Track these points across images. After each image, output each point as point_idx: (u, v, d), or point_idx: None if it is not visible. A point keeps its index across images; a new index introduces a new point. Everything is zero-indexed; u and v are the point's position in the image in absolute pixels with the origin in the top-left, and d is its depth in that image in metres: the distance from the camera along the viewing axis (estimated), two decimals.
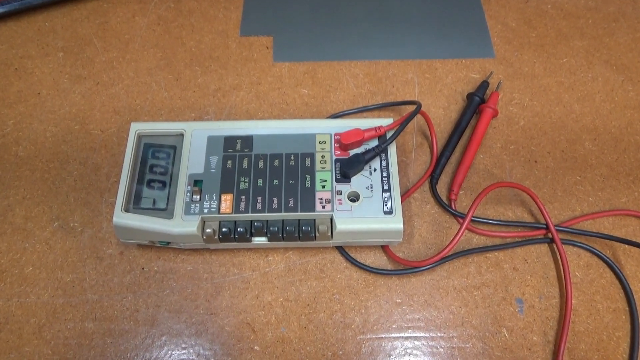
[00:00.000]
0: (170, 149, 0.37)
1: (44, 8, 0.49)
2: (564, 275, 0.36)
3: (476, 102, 0.43)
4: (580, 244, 0.38)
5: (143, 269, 0.37)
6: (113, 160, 0.41)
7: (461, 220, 0.38)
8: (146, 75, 0.46)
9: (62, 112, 0.44)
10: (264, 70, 0.46)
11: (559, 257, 0.37)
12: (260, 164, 0.36)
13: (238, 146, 0.37)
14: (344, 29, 0.49)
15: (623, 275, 0.36)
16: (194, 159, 0.36)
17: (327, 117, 0.43)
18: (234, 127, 0.38)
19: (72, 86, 0.45)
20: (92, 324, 0.35)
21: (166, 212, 0.35)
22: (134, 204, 0.35)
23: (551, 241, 0.38)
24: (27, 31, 0.48)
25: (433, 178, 0.40)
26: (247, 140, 0.37)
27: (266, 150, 0.37)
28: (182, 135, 0.37)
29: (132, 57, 0.47)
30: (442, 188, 0.40)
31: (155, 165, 0.37)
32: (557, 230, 0.37)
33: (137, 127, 0.37)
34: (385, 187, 0.35)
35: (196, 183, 0.35)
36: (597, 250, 0.37)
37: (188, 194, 0.35)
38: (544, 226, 0.38)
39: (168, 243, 0.36)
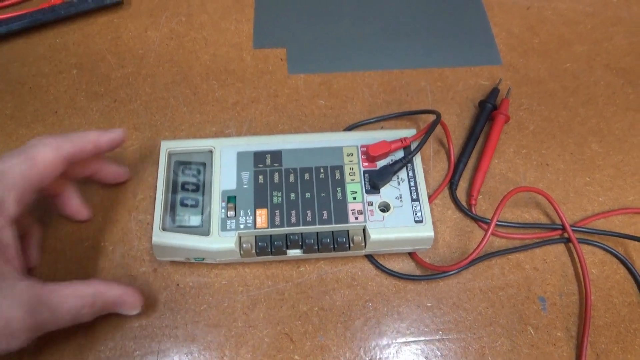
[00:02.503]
0: (200, 165, 0.38)
1: (55, 24, 0.49)
2: (582, 273, 0.38)
3: (488, 109, 0.45)
4: (594, 243, 0.40)
5: (178, 285, 0.38)
6: (137, 178, 0.42)
7: (482, 225, 0.40)
8: (163, 90, 0.46)
9: (81, 130, 0.44)
10: (280, 82, 0.47)
11: (575, 256, 0.39)
12: (291, 177, 0.37)
13: (268, 161, 0.38)
14: (356, 39, 0.50)
15: (635, 271, 0.39)
16: (225, 175, 0.37)
17: (345, 128, 0.44)
18: (261, 142, 0.38)
19: (90, 104, 0.45)
20: (133, 343, 0.36)
21: (202, 229, 0.36)
22: (171, 222, 0.36)
23: (568, 241, 0.40)
24: (38, 48, 0.48)
25: (452, 184, 0.42)
26: (276, 155, 0.38)
27: (295, 164, 0.37)
28: (211, 152, 0.38)
29: (148, 72, 0.47)
30: (461, 193, 0.42)
31: (187, 183, 0.37)
32: (573, 230, 0.39)
33: (167, 146, 0.38)
34: (414, 197, 0.37)
35: (230, 199, 0.36)
36: (611, 248, 0.40)
37: (223, 211, 0.36)
38: (561, 227, 0.40)
39: (203, 259, 0.36)
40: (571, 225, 0.40)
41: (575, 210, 0.42)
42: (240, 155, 0.38)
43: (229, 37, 0.49)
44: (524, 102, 0.47)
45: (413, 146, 0.38)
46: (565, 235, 0.40)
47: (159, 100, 0.45)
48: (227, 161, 0.38)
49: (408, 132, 0.39)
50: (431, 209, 0.41)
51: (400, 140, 0.38)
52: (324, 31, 0.50)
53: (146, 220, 0.40)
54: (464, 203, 0.41)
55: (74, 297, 0.30)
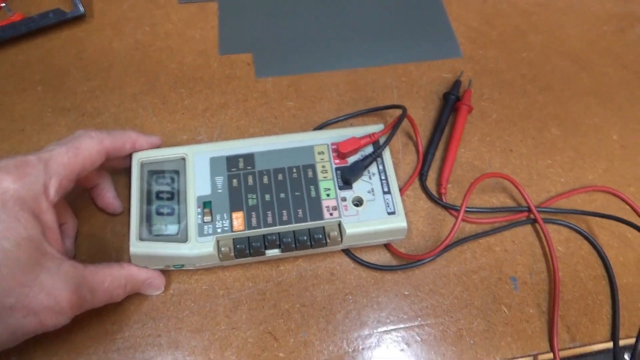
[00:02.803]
0: (173, 173, 0.38)
1: (16, 41, 0.48)
2: (549, 251, 0.40)
3: (452, 101, 0.46)
4: (559, 222, 0.42)
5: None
6: None
7: (453, 212, 0.42)
8: (132, 101, 0.46)
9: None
10: (249, 86, 0.48)
11: (542, 236, 0.41)
12: (265, 179, 0.38)
13: (241, 164, 0.38)
14: (321, 40, 0.51)
15: (598, 245, 0.41)
16: (199, 182, 0.37)
17: (315, 127, 0.45)
18: (233, 146, 0.39)
19: (57, 119, 0.45)
20: (117, 355, 0.36)
21: (180, 236, 0.36)
22: (148, 231, 0.36)
23: (534, 222, 0.42)
24: (0, 67, 0.47)
25: (422, 175, 0.43)
26: (249, 158, 0.38)
27: (268, 165, 0.38)
28: (183, 159, 0.39)
29: (115, 84, 0.47)
30: (431, 183, 0.43)
31: (161, 192, 0.38)
32: (538, 211, 0.41)
33: (139, 156, 0.38)
34: (386, 189, 0.38)
35: (205, 204, 0.37)
36: (574, 225, 0.41)
37: (199, 216, 0.36)
38: (527, 209, 0.42)
39: (182, 265, 0.37)
40: (536, 207, 0.41)
41: (539, 192, 0.43)
42: (213, 161, 0.38)
43: (195, 45, 0.50)
44: (485, 92, 0.49)
45: (382, 141, 0.40)
46: (532, 216, 0.41)
47: (127, 111, 0.46)
48: (200, 167, 0.38)
49: (376, 128, 0.40)
50: (403, 200, 0.42)
51: (369, 135, 0.39)
52: (289, 34, 0.51)
53: (122, 231, 0.40)
54: (434, 192, 0.43)
55: (111, 278, 0.32)
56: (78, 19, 0.50)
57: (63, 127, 0.45)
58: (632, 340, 0.37)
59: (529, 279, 0.39)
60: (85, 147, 0.33)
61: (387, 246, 0.40)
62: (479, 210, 0.42)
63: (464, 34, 0.53)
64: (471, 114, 0.47)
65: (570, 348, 0.37)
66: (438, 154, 0.45)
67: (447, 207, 0.42)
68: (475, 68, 0.50)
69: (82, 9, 0.49)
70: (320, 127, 0.45)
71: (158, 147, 0.39)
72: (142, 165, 0.38)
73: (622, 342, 0.37)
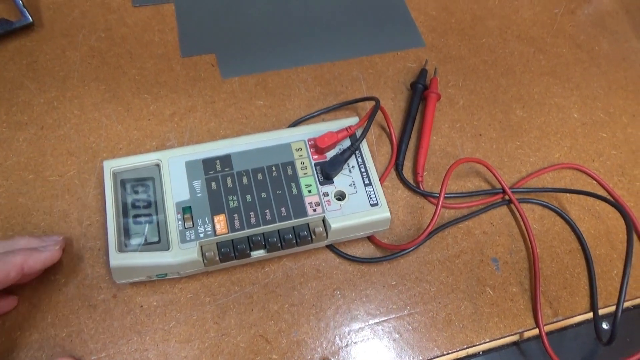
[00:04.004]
0: (148, 181, 0.37)
1: None
2: (526, 230, 0.41)
3: (420, 90, 0.47)
4: (532, 200, 0.43)
5: (142, 306, 0.36)
6: (80, 204, 0.40)
7: (432, 199, 0.42)
8: (93, 110, 0.44)
9: (10, 163, 0.41)
10: (215, 88, 0.47)
11: (518, 215, 0.42)
12: (244, 180, 0.37)
13: (218, 167, 0.37)
14: (284, 37, 0.50)
15: (571, 219, 0.42)
16: (177, 187, 0.36)
17: (289, 125, 0.45)
18: (209, 148, 0.38)
19: (15, 134, 0.42)
20: None
21: (161, 244, 0.35)
22: (126, 243, 0.34)
23: (509, 202, 0.43)
24: None
25: (398, 165, 0.43)
26: (226, 160, 0.38)
27: (247, 166, 0.37)
28: (158, 165, 0.37)
29: (74, 94, 0.45)
30: (407, 172, 0.44)
31: (137, 200, 0.36)
32: (512, 192, 0.42)
33: (111, 165, 0.36)
34: (366, 182, 0.38)
35: (185, 210, 0.35)
36: (547, 203, 0.43)
37: (180, 222, 0.35)
38: (501, 190, 0.43)
39: (165, 275, 0.36)
40: (510, 188, 0.43)
41: (511, 173, 0.45)
42: (189, 165, 0.37)
43: (154, 48, 0.48)
44: (450, 79, 0.50)
45: (358, 133, 0.40)
46: (506, 197, 0.43)
47: (90, 121, 0.43)
48: (176, 172, 0.37)
49: (351, 121, 0.40)
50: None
51: (346, 129, 0.39)
52: (251, 32, 0.50)
53: (97, 246, 0.38)
54: (411, 181, 0.43)
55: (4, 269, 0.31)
56: (26, 28, 0.47)
57: (22, 143, 0.42)
58: (610, 309, 0.39)
59: (509, 259, 0.40)
60: None
61: (370, 238, 0.40)
62: (456, 196, 0.42)
63: (425, 23, 0.53)
64: (439, 102, 0.48)
65: (553, 322, 0.38)
66: (411, 143, 0.45)
67: (425, 195, 0.42)
68: (439, 56, 0.51)
69: (30, 17, 0.46)
70: (293, 125, 0.45)
71: (54, 261, 0.35)
72: (115, 174, 0.36)
73: (600, 312, 0.39)
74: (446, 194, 0.42)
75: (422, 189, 0.42)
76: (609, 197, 0.44)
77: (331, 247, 0.39)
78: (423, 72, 0.48)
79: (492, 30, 0.54)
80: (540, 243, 0.41)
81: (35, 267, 0.33)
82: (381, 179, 0.42)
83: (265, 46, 0.49)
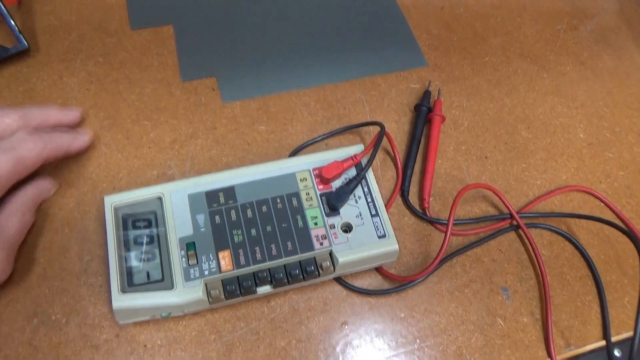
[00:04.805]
0: (151, 215, 0.36)
1: None
2: (535, 256, 0.40)
3: (424, 112, 0.46)
4: (540, 225, 0.42)
5: (145, 346, 0.36)
6: (80, 238, 0.39)
7: (439, 226, 0.41)
8: (92, 139, 0.43)
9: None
10: (216, 113, 0.46)
11: (527, 241, 0.41)
12: (249, 213, 0.36)
13: (222, 199, 0.36)
14: (285, 59, 0.49)
15: (580, 245, 0.42)
16: (180, 222, 0.35)
17: (292, 151, 0.44)
18: (211, 180, 0.37)
19: None
20: None
21: (164, 282, 0.34)
22: (129, 282, 0.33)
23: (517, 228, 0.42)
24: None
25: (404, 191, 0.43)
26: (229, 192, 0.37)
27: (251, 198, 0.37)
28: (160, 198, 0.36)
29: None
30: (413, 198, 0.43)
31: (139, 236, 0.35)
32: (520, 217, 0.42)
33: (112, 200, 0.35)
34: (373, 212, 0.37)
35: (189, 246, 0.35)
36: (555, 228, 0.42)
37: (184, 260, 0.34)
38: (509, 216, 0.42)
39: (169, 314, 0.35)
40: (517, 213, 0.42)
41: (518, 197, 0.44)
42: (192, 198, 0.36)
43: (154, 72, 0.47)
44: (454, 100, 0.49)
45: (364, 162, 0.39)
46: (514, 222, 0.42)
47: (89, 150, 0.42)
48: (178, 206, 0.36)
49: (356, 149, 0.39)
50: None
51: (351, 158, 0.38)
52: (252, 55, 0.49)
53: (98, 282, 0.37)
54: (417, 208, 0.42)
55: (15, 218, 0.35)
56: (22, 54, 0.46)
57: None
58: (621, 337, 0.38)
59: (520, 287, 0.40)
60: (28, 160, 0.34)
61: (378, 269, 0.39)
62: (463, 222, 0.42)
63: (427, 42, 0.53)
64: (444, 124, 0.47)
65: (566, 353, 0.38)
66: (417, 167, 0.45)
67: (433, 222, 0.41)
68: (442, 76, 0.50)
69: (25, 43, 0.45)
70: (296, 151, 0.44)
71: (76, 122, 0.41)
72: (116, 209, 0.36)
73: (613, 339, 0.38)
74: (454, 220, 0.41)
75: (429, 215, 0.42)
76: (617, 221, 0.43)
77: (338, 279, 0.38)
78: (426, 94, 0.47)
79: (495, 49, 0.53)
80: (550, 270, 0.41)
81: (79, 147, 0.40)
82: (387, 206, 0.42)
83: (267, 69, 0.49)
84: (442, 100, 0.48)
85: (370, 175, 0.39)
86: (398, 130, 0.47)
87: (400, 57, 0.51)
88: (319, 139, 0.45)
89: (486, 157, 0.46)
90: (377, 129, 0.45)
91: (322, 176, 0.37)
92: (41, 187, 0.38)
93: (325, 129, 0.46)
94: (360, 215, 0.37)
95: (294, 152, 0.44)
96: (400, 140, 0.46)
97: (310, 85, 0.48)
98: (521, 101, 0.50)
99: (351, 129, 0.45)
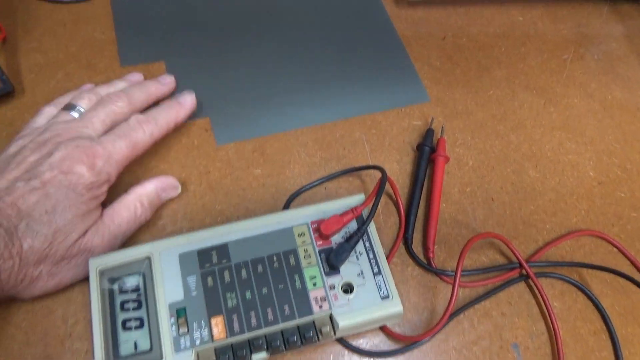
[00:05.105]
0: (138, 276, 0.34)
1: None
2: (547, 309, 0.38)
3: (427, 152, 0.44)
4: (551, 275, 0.40)
5: None
6: (65, 299, 0.36)
7: (445, 278, 0.39)
8: None
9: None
10: (210, 156, 0.44)
11: (537, 292, 0.39)
12: (244, 273, 0.34)
13: (214, 259, 0.34)
14: (281, 97, 0.47)
15: (593, 295, 0.40)
16: (170, 285, 0.33)
17: (289, 197, 0.42)
18: (203, 237, 0.35)
19: None
20: None
21: (152, 353, 0.32)
22: (115, 354, 0.31)
23: (527, 278, 0.40)
24: None
25: (407, 239, 0.41)
26: (223, 250, 0.35)
27: (246, 256, 0.34)
28: (148, 259, 0.34)
29: None
30: (417, 246, 0.41)
31: (126, 302, 0.33)
32: (529, 266, 0.39)
33: (96, 264, 0.33)
34: (376, 270, 0.35)
35: (179, 312, 0.32)
36: (567, 277, 0.40)
37: (174, 327, 0.32)
38: (518, 265, 0.40)
39: None
40: (527, 261, 0.40)
41: (527, 242, 0.42)
42: (183, 258, 0.34)
43: None
44: (458, 138, 0.47)
45: (365, 213, 0.37)
46: (524, 272, 0.40)
47: None
48: (168, 267, 0.34)
49: (357, 200, 0.37)
50: (390, 270, 0.39)
51: (351, 211, 0.36)
52: (247, 94, 0.47)
53: (83, 347, 0.35)
54: (422, 257, 0.40)
55: (126, 211, 0.37)
56: (7, 95, 0.44)
57: None
58: None
59: (531, 344, 0.38)
60: (141, 143, 0.38)
61: (382, 328, 0.37)
62: (470, 273, 0.40)
63: (428, 75, 0.51)
64: (448, 163, 0.45)
65: None
66: (420, 211, 0.43)
67: (438, 273, 0.39)
68: (445, 112, 0.49)
69: (10, 85, 0.43)
70: (294, 196, 0.42)
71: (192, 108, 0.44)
72: (101, 273, 0.33)
73: None
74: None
75: (434, 266, 0.39)
76: (632, 268, 0.41)
77: (339, 339, 0.36)
78: (429, 133, 0.45)
79: (499, 81, 0.51)
80: (562, 324, 0.38)
81: (184, 118, 0.44)
82: (389, 256, 0.40)
83: (262, 108, 0.47)
84: (445, 138, 0.46)
85: (372, 228, 0.36)
86: (400, 171, 0.45)
87: (401, 92, 0.49)
88: (317, 183, 0.43)
89: (492, 199, 0.44)
90: (378, 173, 0.43)
91: (320, 231, 0.35)
92: (164, 184, 0.40)
93: (324, 171, 0.44)
94: (362, 273, 0.35)
95: (292, 198, 0.42)
96: (403, 182, 0.44)
97: (308, 124, 0.46)
98: (528, 137, 0.48)
99: (351, 172, 0.43)
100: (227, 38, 0.50)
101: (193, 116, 0.45)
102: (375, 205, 0.36)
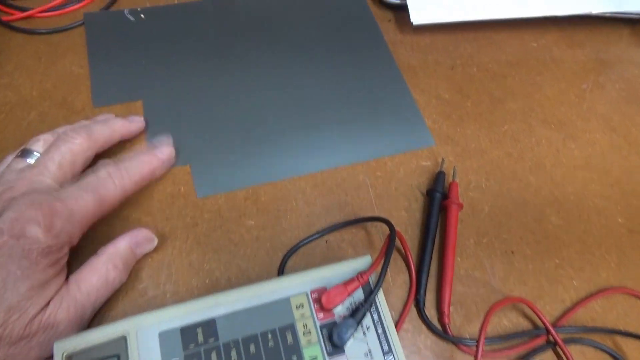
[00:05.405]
0: (113, 359, 0.29)
1: None
2: None
3: (438, 199, 0.40)
4: (582, 341, 0.36)
5: None
6: None
7: (464, 347, 0.35)
8: None
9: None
10: (197, 205, 0.39)
11: None
12: (234, 355, 0.29)
13: (200, 337, 0.30)
14: (273, 143, 0.43)
15: None
16: None
17: (285, 253, 0.37)
18: (187, 311, 0.30)
19: None
20: None
21: None
22: None
23: (555, 345, 0.35)
24: None
25: (419, 302, 0.36)
26: (209, 326, 0.30)
27: (236, 334, 0.30)
28: (124, 339, 0.30)
29: None
30: (430, 309, 0.36)
31: None
32: (557, 332, 0.35)
33: (63, 348, 0.29)
34: (386, 348, 0.30)
35: None
36: (599, 344, 0.36)
37: None
38: (544, 331, 0.35)
39: None
40: (554, 326, 0.36)
41: (553, 303, 0.37)
42: (164, 337, 0.30)
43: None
44: (472, 180, 0.43)
45: (372, 280, 0.32)
46: (551, 338, 0.35)
47: None
48: (147, 349, 0.29)
49: (362, 263, 0.33)
50: (401, 338, 0.35)
51: (357, 278, 0.32)
52: (234, 137, 0.43)
53: None
54: (436, 323, 0.36)
55: (96, 276, 0.33)
56: None
57: None
58: None
59: None
60: (110, 198, 0.33)
61: None
62: (491, 341, 0.35)
63: (437, 108, 0.47)
64: (462, 211, 0.41)
65: None
66: (432, 267, 0.38)
67: (456, 343, 0.35)
68: (456, 150, 0.44)
69: None
70: (291, 252, 0.37)
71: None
72: (69, 358, 0.29)
73: None
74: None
75: (450, 333, 0.35)
76: None
77: None
78: (440, 176, 0.41)
79: (514, 114, 0.47)
80: None
81: (163, 170, 0.39)
82: (399, 321, 0.35)
83: (251, 154, 0.42)
84: (457, 182, 0.41)
85: (380, 297, 0.32)
86: (409, 220, 0.40)
87: (405, 136, 0.44)
88: (316, 236, 0.38)
89: (512, 252, 0.39)
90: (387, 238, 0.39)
91: (321, 303, 0.31)
92: (138, 238, 0.35)
93: (324, 221, 0.39)
94: (370, 353, 0.30)
95: (289, 255, 0.37)
96: (412, 233, 0.40)
97: (301, 173, 0.42)
98: (548, 178, 0.43)
99: (354, 224, 0.39)
100: (214, 75, 0.46)
101: (178, 162, 0.41)
102: (384, 271, 0.32)
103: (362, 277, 0.32)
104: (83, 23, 0.48)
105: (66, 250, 0.31)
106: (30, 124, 0.42)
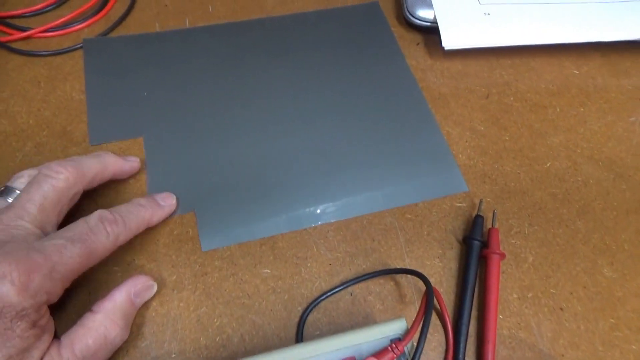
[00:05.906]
0: None
1: None
2: None
3: (477, 248, 0.35)
4: None
5: None
6: None
7: None
8: None
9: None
10: (208, 252, 0.35)
11: None
12: None
13: None
14: (292, 189, 0.38)
15: None
16: None
17: (305, 307, 0.33)
18: None
19: None
20: None
21: None
22: None
23: None
24: None
25: None
26: None
27: None
28: None
29: None
30: None
31: None
32: None
33: None
34: None
35: None
36: None
37: None
38: None
39: None
40: None
41: None
42: None
43: (125, 195, 0.37)
44: (513, 225, 0.38)
45: (407, 350, 0.28)
46: None
47: None
48: None
49: (396, 327, 0.28)
50: None
51: (390, 348, 0.27)
52: (243, 183, 0.38)
53: None
54: None
55: (91, 335, 0.28)
56: None
57: None
58: None
59: None
60: (100, 250, 0.29)
61: None
62: None
63: (472, 142, 0.42)
64: (503, 261, 0.36)
65: None
66: (471, 327, 0.34)
67: None
68: (495, 190, 0.40)
69: None
70: (312, 306, 0.33)
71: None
72: None
73: None
74: None
75: None
76: None
77: None
78: (478, 221, 0.37)
79: (557, 150, 0.43)
80: None
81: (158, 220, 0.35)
82: None
83: (267, 202, 0.37)
84: (498, 228, 0.37)
85: None
86: (444, 270, 0.36)
87: (435, 181, 0.40)
88: (340, 288, 0.34)
89: (562, 309, 0.35)
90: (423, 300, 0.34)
91: None
92: (137, 287, 0.31)
93: (348, 270, 0.35)
94: None
95: (309, 310, 0.33)
96: (447, 286, 0.35)
97: (327, 221, 0.37)
98: (598, 224, 0.39)
99: (383, 275, 0.35)
100: (224, 109, 0.42)
101: (181, 209, 0.37)
102: (422, 341, 0.27)
103: (397, 347, 0.27)
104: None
105: (45, 309, 0.27)
106: (26, 156, 0.38)
